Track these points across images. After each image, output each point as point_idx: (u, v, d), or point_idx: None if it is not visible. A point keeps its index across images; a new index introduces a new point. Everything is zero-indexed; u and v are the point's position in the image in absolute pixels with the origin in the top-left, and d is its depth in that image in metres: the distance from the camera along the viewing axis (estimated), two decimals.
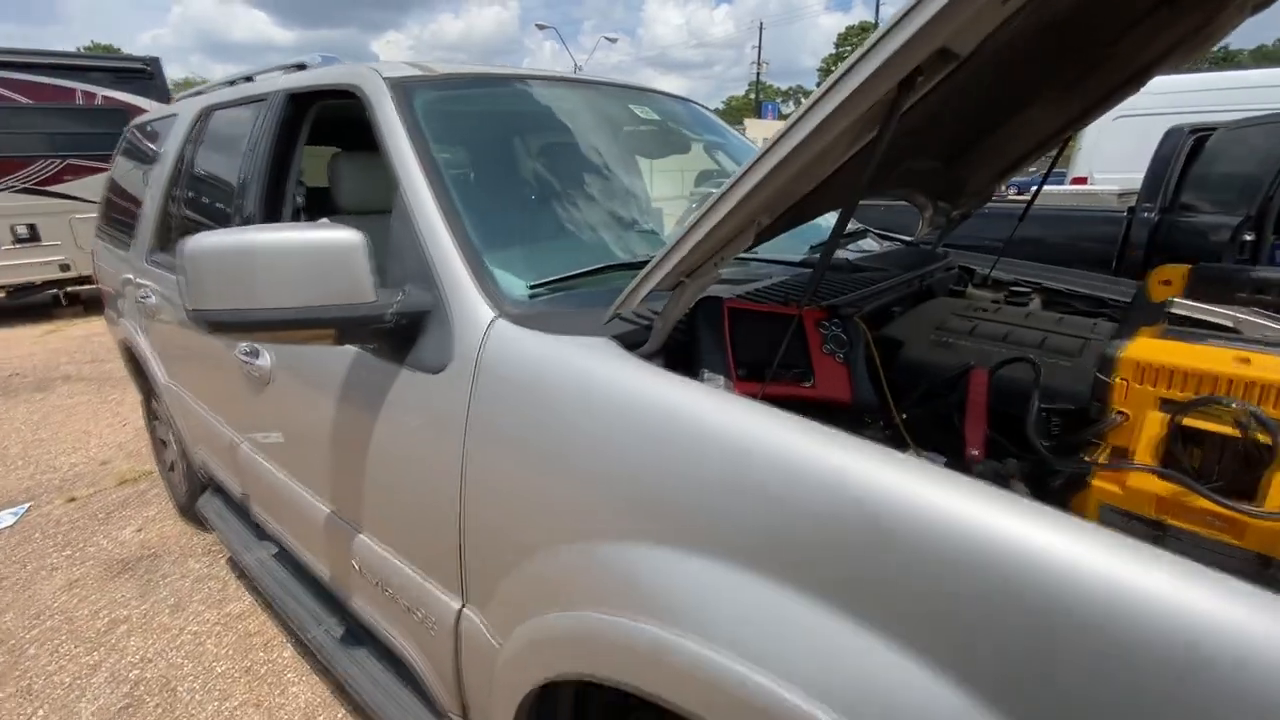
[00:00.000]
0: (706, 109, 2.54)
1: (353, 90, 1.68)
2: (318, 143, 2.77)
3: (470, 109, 1.80)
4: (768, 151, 0.81)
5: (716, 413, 0.89)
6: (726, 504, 0.82)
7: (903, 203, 2.06)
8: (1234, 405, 0.61)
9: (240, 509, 2.46)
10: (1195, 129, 4.46)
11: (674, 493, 0.88)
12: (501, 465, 1.14)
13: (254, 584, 2.36)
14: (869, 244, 2.13)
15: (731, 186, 0.85)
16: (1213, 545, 0.66)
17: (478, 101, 1.83)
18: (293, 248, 1.15)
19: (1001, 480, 0.91)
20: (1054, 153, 1.92)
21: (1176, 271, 0.67)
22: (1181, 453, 0.67)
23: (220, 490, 2.67)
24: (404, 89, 1.61)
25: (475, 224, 1.36)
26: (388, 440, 1.40)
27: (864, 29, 48.14)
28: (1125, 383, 0.71)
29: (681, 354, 1.09)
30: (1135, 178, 4.82)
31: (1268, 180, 3.70)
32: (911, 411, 1.07)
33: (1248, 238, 3.75)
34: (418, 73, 1.71)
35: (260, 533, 2.33)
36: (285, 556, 2.19)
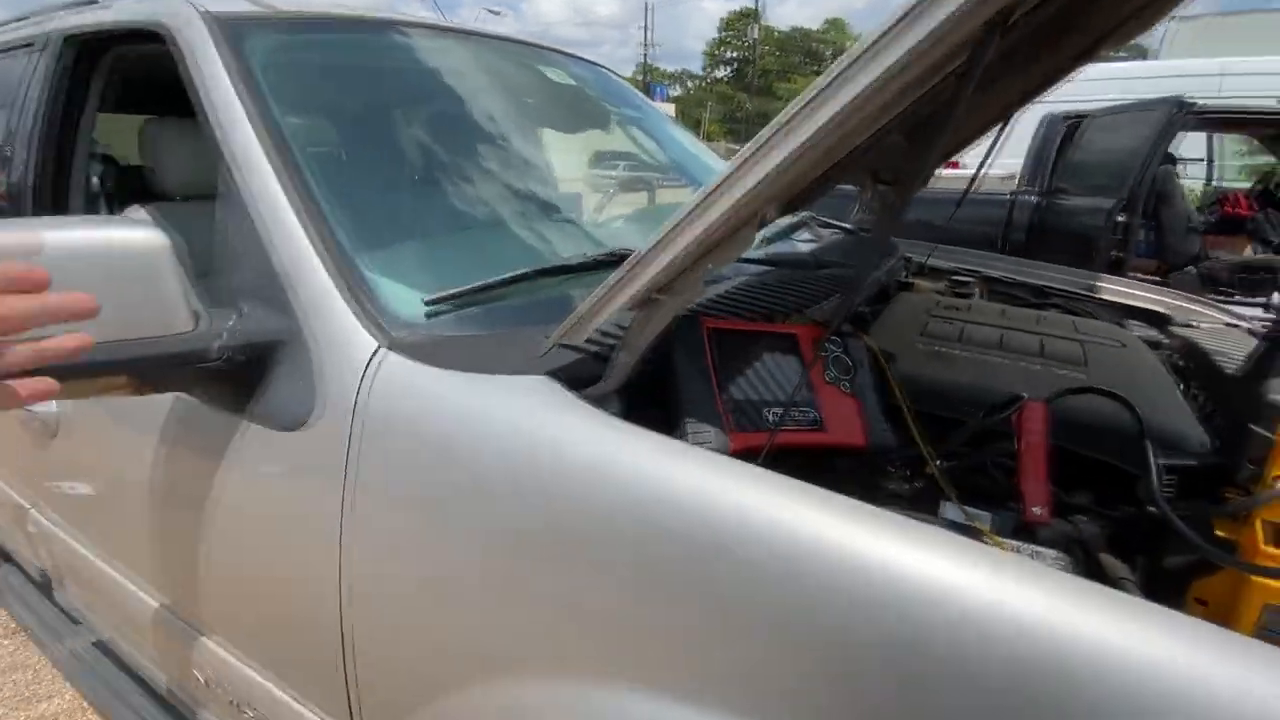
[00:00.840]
0: (620, 76, 2.23)
1: (158, 31, 1.22)
2: (135, 108, 2.15)
3: (331, 61, 1.38)
4: (797, 117, 0.53)
5: (729, 493, 0.61)
6: (766, 643, 0.55)
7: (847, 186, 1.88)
8: None
9: (44, 588, 1.89)
10: (1069, 116, 4.72)
11: (672, 619, 0.60)
12: (397, 560, 0.80)
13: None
14: (810, 233, 1.93)
15: (739, 168, 0.57)
16: None
17: (342, 52, 1.41)
18: (67, 252, 0.74)
19: (1084, 551, 0.71)
20: (996, 132, 1.80)
21: None
22: None
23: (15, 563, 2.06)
24: (233, 30, 1.18)
25: (344, 217, 0.99)
26: (231, 519, 1.00)
27: (745, 15, 49.23)
28: None
29: (637, 390, 0.79)
30: (1015, 163, 5.08)
31: (1136, 165, 3.95)
32: (945, 455, 0.85)
33: (1120, 219, 3.99)
34: (253, 9, 1.27)
35: (72, 617, 1.79)
36: (107, 646, 1.69)
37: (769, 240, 1.52)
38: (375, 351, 0.84)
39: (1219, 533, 0.58)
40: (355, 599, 0.84)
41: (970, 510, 0.78)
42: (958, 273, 2.01)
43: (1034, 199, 4.62)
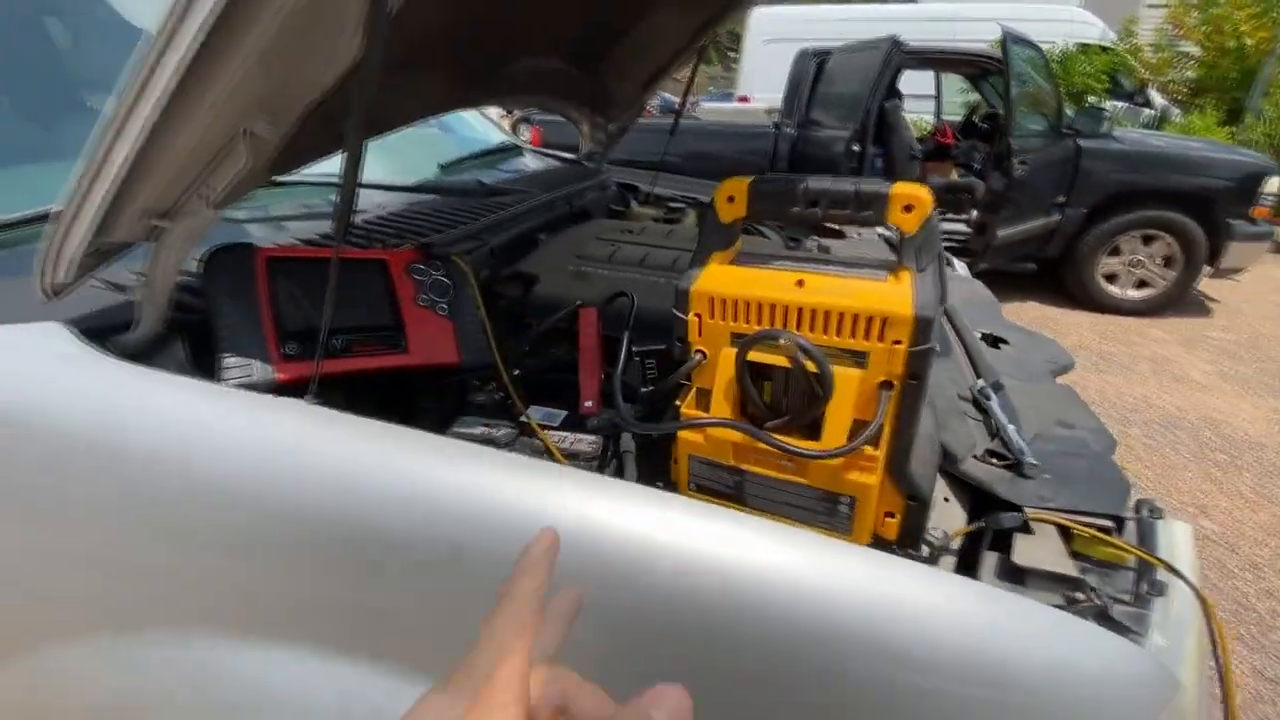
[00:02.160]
0: None
1: None
2: None
3: None
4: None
5: (223, 422, 0.60)
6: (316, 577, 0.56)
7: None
8: (783, 339, 0.53)
9: None
10: (817, 53, 5.15)
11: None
12: None
13: None
14: (527, 161, 1.93)
15: (145, 78, 0.53)
16: (786, 487, 0.60)
17: None
18: None
19: (614, 433, 0.81)
20: (692, 68, 1.90)
21: (739, 186, 0.54)
22: (753, 391, 0.59)
23: None
24: None
25: None
26: None
27: None
28: (699, 318, 0.61)
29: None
30: (778, 98, 5.48)
31: (864, 98, 4.44)
32: (530, 364, 0.91)
33: (855, 148, 4.51)
34: None
35: None
36: None
37: (451, 167, 1.49)
38: None
39: (678, 403, 0.69)
40: None
41: (548, 411, 0.86)
42: (675, 199, 2.13)
43: (792, 130, 5.04)
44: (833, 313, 0.57)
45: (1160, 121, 7.47)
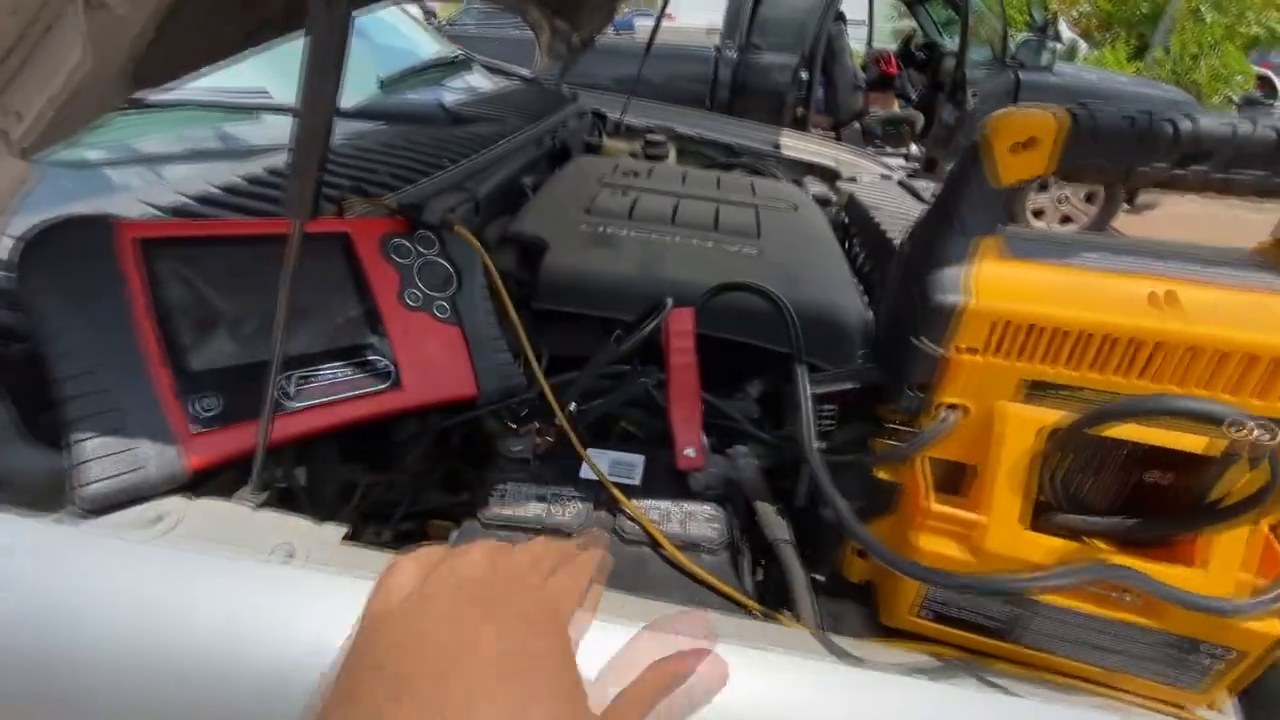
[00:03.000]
0: None
1: None
2: None
3: None
4: None
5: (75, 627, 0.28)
6: None
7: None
8: (1232, 421, 0.28)
9: None
10: None
11: None
12: None
13: None
14: (477, 79, 1.52)
15: None
16: (1108, 627, 0.37)
17: None
18: None
19: (744, 496, 0.54)
20: None
21: (1042, 123, 0.26)
22: (1072, 481, 0.34)
23: None
24: None
25: None
26: None
27: None
28: (969, 354, 0.34)
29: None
30: (717, 17, 5.04)
31: (813, 22, 4.14)
32: (582, 397, 0.61)
33: (804, 75, 4.23)
34: None
35: None
36: None
37: (395, 85, 1.09)
38: None
39: (882, 474, 0.43)
40: None
41: (615, 457, 0.57)
42: (651, 130, 1.80)
43: (734, 55, 4.66)
44: (1261, 359, 0.32)
45: (1070, 55, 7.66)
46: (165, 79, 0.44)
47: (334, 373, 0.49)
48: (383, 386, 0.51)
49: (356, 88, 1.00)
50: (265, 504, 0.43)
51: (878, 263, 1.12)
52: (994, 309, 0.36)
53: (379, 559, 0.38)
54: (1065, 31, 8.25)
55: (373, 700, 0.24)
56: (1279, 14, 6.72)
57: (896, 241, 1.06)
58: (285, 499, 0.54)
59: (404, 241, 0.57)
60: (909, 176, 1.66)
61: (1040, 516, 0.39)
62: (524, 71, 1.81)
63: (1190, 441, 0.34)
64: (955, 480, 0.43)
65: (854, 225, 1.30)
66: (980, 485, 0.39)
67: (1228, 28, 6.45)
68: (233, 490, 0.43)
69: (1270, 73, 6.82)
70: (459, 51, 1.42)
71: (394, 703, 0.23)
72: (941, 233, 0.39)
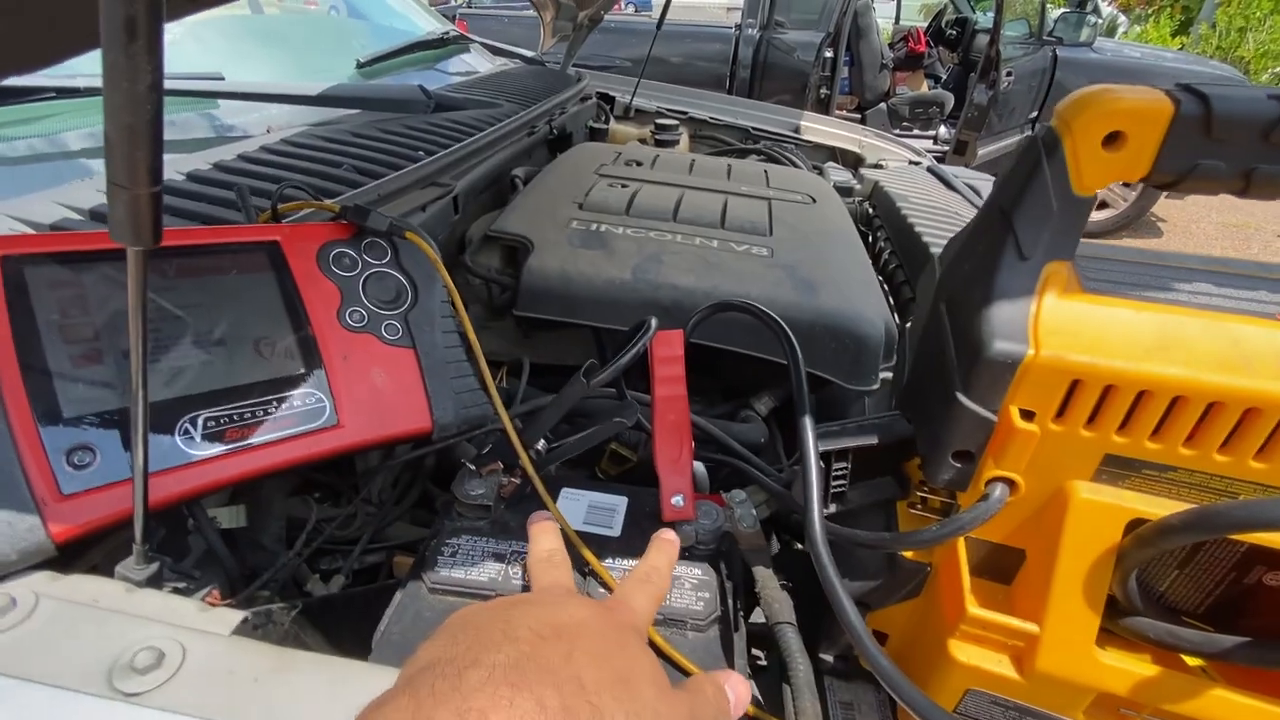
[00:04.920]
0: None
1: None
2: None
3: None
4: None
5: None
6: None
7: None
8: None
9: None
10: None
11: None
12: None
13: None
14: (475, 61, 1.43)
15: None
16: None
17: None
18: None
19: (740, 552, 0.46)
20: None
21: (1139, 106, 0.15)
22: (1153, 575, 0.26)
23: None
24: None
25: None
26: None
27: None
28: (1020, 420, 0.25)
29: None
30: None
31: (838, 0, 3.96)
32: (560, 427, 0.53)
33: (828, 54, 4.05)
34: None
35: None
36: None
37: (374, 68, 1.00)
38: None
39: (908, 554, 0.35)
40: None
41: (591, 499, 0.49)
42: (662, 113, 1.70)
43: (755, 33, 4.49)
44: None
45: (1109, 30, 7.32)
46: (37, 63, 0.36)
47: (254, 411, 0.42)
48: (315, 425, 0.44)
49: (328, 71, 0.91)
50: (156, 576, 0.36)
51: (905, 261, 1.02)
52: (1064, 363, 0.27)
53: (272, 658, 0.31)
54: (1104, 7, 7.88)
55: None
56: None
57: (925, 236, 0.96)
58: (228, 539, 0.48)
59: (347, 251, 0.49)
60: (938, 161, 1.55)
61: (1106, 615, 0.30)
62: (527, 52, 1.71)
63: None
64: (1000, 562, 0.34)
65: (879, 217, 1.20)
66: (1034, 583, 0.30)
67: (1277, 1, 6.08)
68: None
69: None
70: (451, 30, 1.32)
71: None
72: (993, 254, 0.29)
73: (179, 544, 0.46)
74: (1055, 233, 0.28)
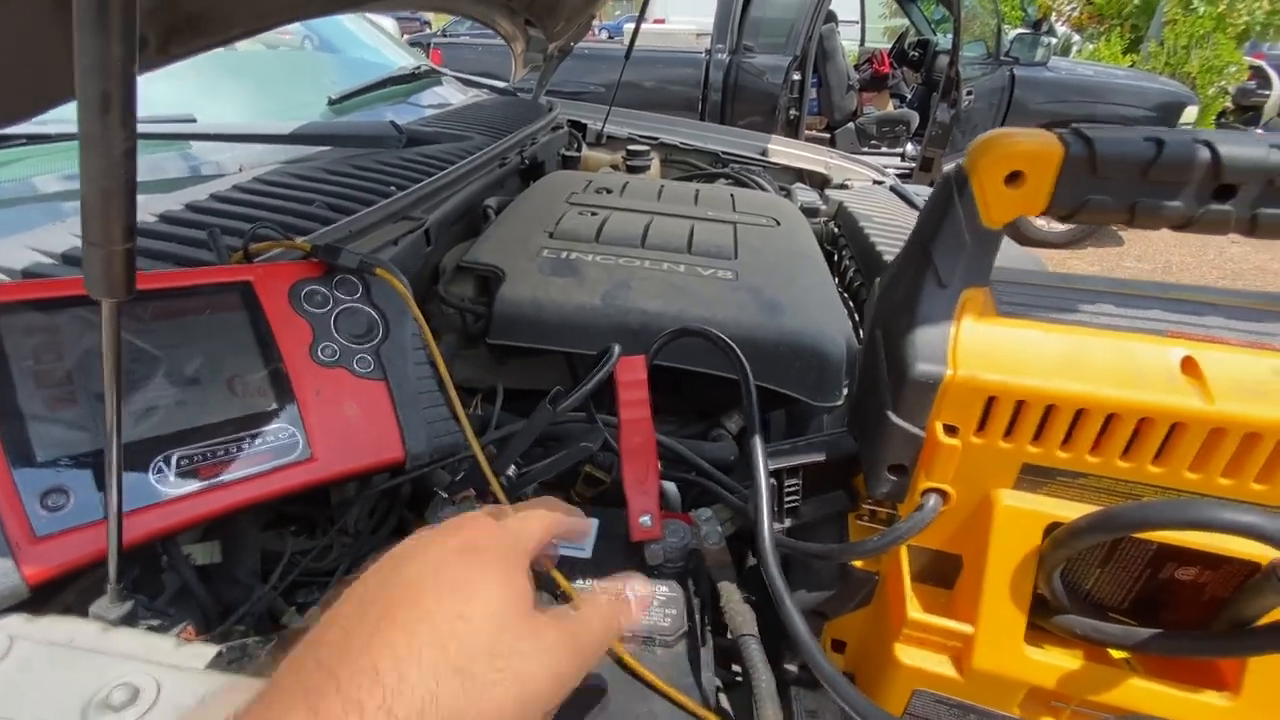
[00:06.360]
0: None
1: None
2: None
3: None
4: None
5: None
6: None
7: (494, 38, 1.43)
8: None
9: None
10: None
11: None
12: None
13: None
14: (447, 93, 1.46)
15: None
16: None
17: None
18: None
19: (705, 569, 0.48)
20: None
21: (1038, 150, 0.19)
22: (1076, 573, 0.28)
23: None
24: None
25: None
26: None
27: None
28: (952, 431, 0.28)
29: None
30: (707, 21, 4.99)
31: (804, 21, 4.09)
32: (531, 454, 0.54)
33: (796, 77, 4.17)
34: None
35: None
36: None
37: (347, 104, 1.03)
38: None
39: (858, 563, 0.37)
40: None
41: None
42: (633, 140, 1.74)
43: (725, 57, 4.61)
44: None
45: (1064, 49, 7.60)
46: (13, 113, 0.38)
47: (228, 448, 0.43)
48: (289, 459, 0.45)
49: (301, 108, 0.93)
50: (130, 614, 0.37)
51: (868, 279, 1.06)
52: (979, 382, 0.29)
53: (248, 691, 0.32)
54: (1059, 27, 8.20)
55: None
56: (1270, 4, 6.64)
57: (886, 255, 1.00)
58: (202, 576, 0.48)
59: (319, 288, 0.51)
60: (904, 178, 1.60)
61: (1036, 613, 0.33)
62: (499, 83, 1.75)
63: (1237, 545, 0.27)
64: (942, 568, 0.36)
65: (844, 237, 1.24)
66: (969, 586, 0.33)
67: (1218, 18, 6.38)
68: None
69: (1264, 63, 6.74)
70: (422, 64, 1.35)
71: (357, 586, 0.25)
72: (916, 283, 0.32)
73: (153, 582, 0.47)
74: (969, 262, 0.31)
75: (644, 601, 0.32)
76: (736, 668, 0.53)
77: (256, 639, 0.42)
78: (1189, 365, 0.28)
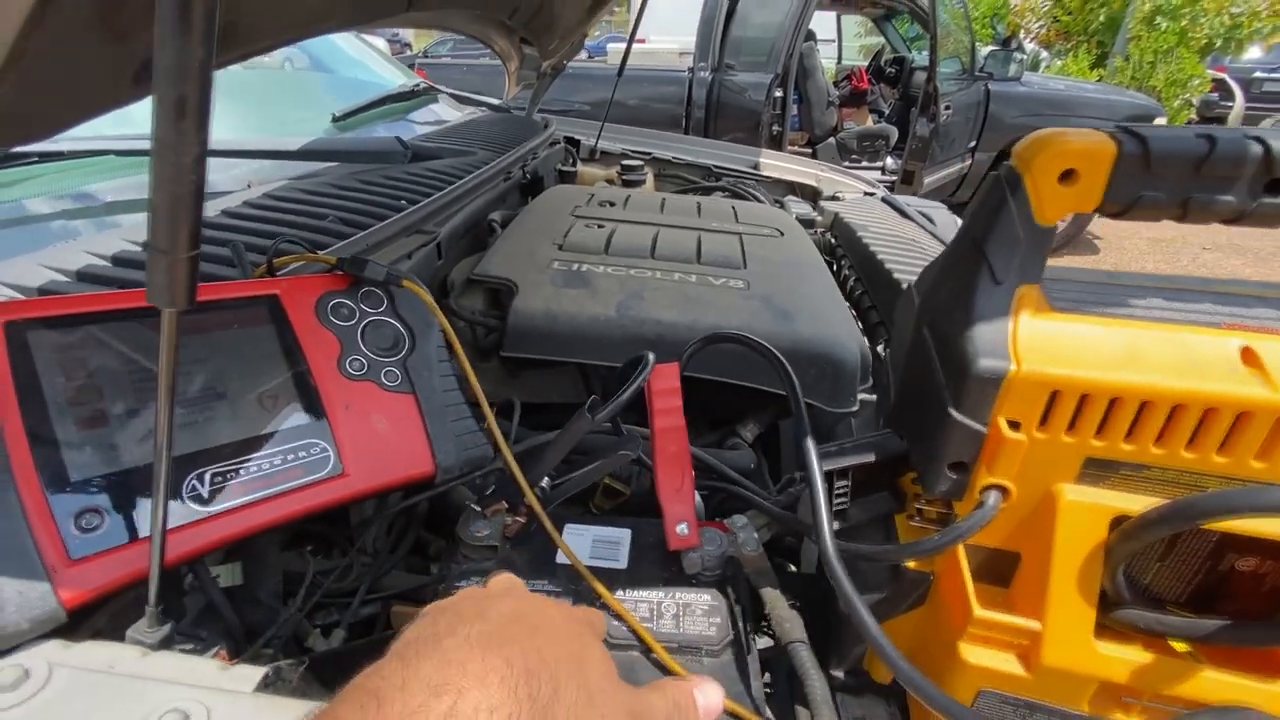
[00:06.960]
0: None
1: None
2: None
3: None
4: None
5: None
6: None
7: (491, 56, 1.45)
8: None
9: None
10: None
11: None
12: None
13: None
14: (444, 111, 1.46)
15: None
16: None
17: None
18: None
19: (745, 575, 0.47)
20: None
21: (1091, 148, 0.19)
22: (1135, 566, 0.28)
23: None
24: None
25: None
26: None
27: None
28: (1014, 427, 0.28)
29: None
30: (689, 39, 5.07)
31: (785, 40, 4.17)
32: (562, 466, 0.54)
33: (778, 94, 4.24)
34: None
35: None
36: None
37: (350, 121, 1.03)
38: None
39: (910, 564, 0.37)
40: None
41: (603, 536, 0.50)
42: (627, 155, 1.76)
43: (708, 75, 4.68)
44: None
45: (1033, 65, 7.84)
46: (32, 133, 0.37)
47: (260, 464, 0.42)
48: (321, 475, 0.44)
49: (306, 126, 0.93)
50: (168, 638, 0.35)
51: (870, 288, 1.07)
52: (1043, 376, 0.30)
53: (299, 713, 0.31)
54: (1026, 44, 8.45)
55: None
56: (1230, 19, 6.92)
57: (888, 264, 1.01)
58: (227, 597, 0.47)
59: (345, 301, 0.50)
60: (889, 190, 1.64)
61: (1098, 609, 0.33)
62: (494, 100, 1.76)
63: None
64: (995, 566, 0.36)
65: (842, 247, 1.26)
66: (1031, 582, 0.32)
67: (1181, 33, 6.63)
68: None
69: (1226, 76, 7.00)
70: (421, 82, 1.35)
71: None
72: (969, 281, 0.32)
73: (175, 604, 0.45)
74: (1024, 259, 0.32)
75: (711, 712, 0.31)
76: (767, 676, 0.52)
77: (290, 662, 0.41)
78: (1249, 355, 0.29)
